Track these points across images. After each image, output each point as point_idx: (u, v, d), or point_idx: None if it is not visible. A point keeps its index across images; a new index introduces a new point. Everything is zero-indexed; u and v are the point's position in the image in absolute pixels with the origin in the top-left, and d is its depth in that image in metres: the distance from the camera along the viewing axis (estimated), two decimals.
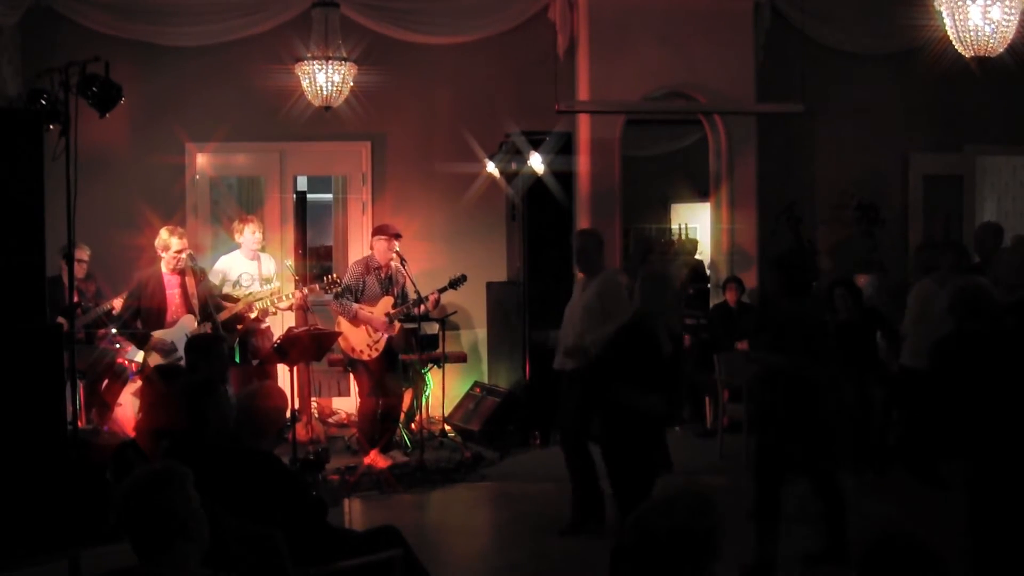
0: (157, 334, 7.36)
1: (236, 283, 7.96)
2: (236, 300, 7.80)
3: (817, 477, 5.54)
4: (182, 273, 7.47)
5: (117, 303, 7.81)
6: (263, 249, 8.37)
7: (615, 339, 5.43)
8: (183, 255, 7.44)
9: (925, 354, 5.86)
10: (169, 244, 7.43)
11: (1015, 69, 8.26)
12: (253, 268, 8.03)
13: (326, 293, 7.94)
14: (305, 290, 7.88)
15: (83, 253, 8.07)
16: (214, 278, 7.90)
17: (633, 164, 10.25)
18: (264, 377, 7.48)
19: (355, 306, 7.77)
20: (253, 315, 7.82)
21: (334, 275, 8.15)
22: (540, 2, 9.55)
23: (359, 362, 7.87)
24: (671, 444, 7.35)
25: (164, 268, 7.48)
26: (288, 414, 5.04)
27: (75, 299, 6.20)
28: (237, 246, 8.14)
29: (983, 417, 4.47)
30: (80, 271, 7.84)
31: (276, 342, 7.29)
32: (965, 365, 4.60)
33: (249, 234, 8.04)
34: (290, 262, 8.96)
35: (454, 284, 8.08)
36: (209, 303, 7.45)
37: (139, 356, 7.57)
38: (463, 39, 9.49)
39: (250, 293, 7.87)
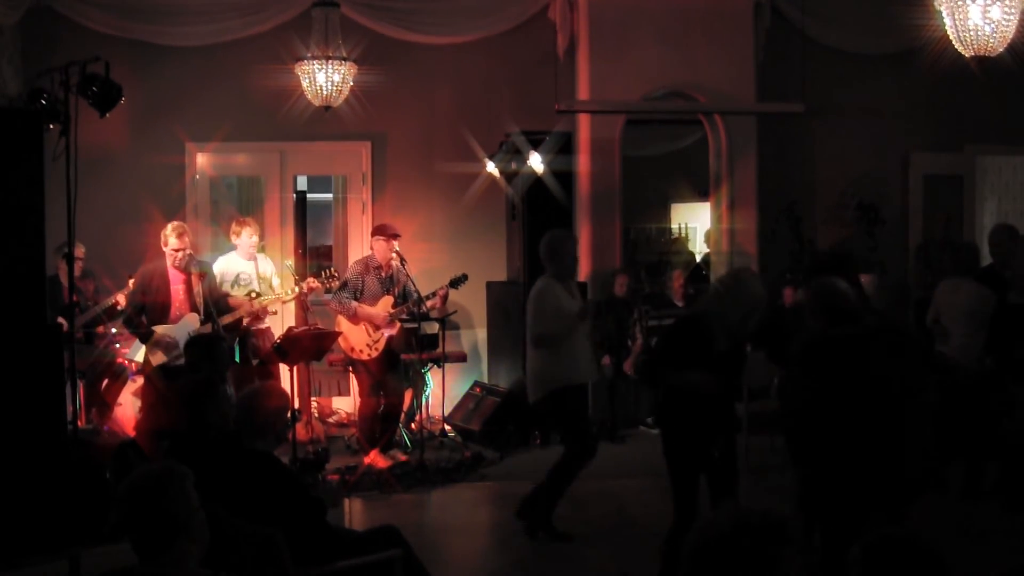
0: (160, 330, 7.34)
1: (235, 282, 7.97)
2: (239, 299, 7.80)
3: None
4: (186, 270, 7.48)
5: (120, 299, 7.81)
6: (261, 250, 8.38)
7: (670, 331, 5.36)
8: (179, 254, 7.43)
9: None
10: (167, 241, 7.46)
11: (1015, 69, 8.26)
12: (250, 268, 8.04)
13: (325, 289, 7.93)
14: (304, 285, 7.88)
15: (78, 251, 8.07)
16: None
17: (633, 164, 10.25)
18: (267, 377, 7.47)
19: (355, 304, 7.78)
20: (254, 310, 7.82)
21: (332, 269, 8.12)
22: (540, 2, 9.55)
23: (359, 362, 7.87)
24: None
25: (168, 263, 7.48)
26: (289, 415, 5.02)
27: (74, 299, 6.20)
28: (234, 247, 8.15)
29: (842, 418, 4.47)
30: (76, 269, 7.84)
31: (276, 342, 7.28)
32: (834, 366, 4.59)
33: (246, 237, 8.05)
34: (290, 262, 8.97)
35: (455, 283, 8.07)
36: (209, 303, 7.44)
37: (139, 355, 7.57)
38: (463, 39, 9.49)
39: (253, 290, 7.87)
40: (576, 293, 6.34)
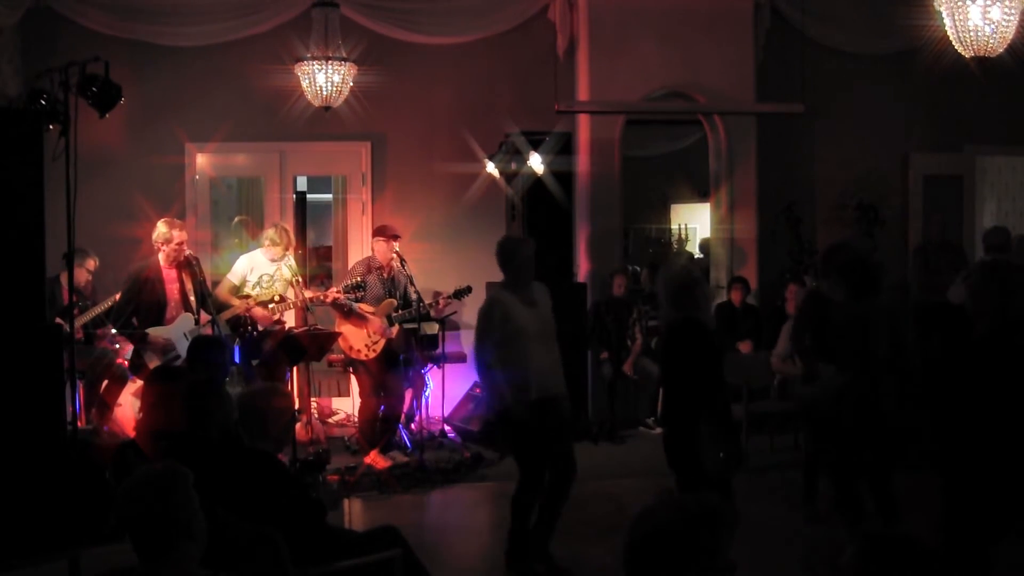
0: (154, 331, 7.27)
1: (257, 283, 7.93)
2: (244, 298, 7.78)
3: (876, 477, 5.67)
4: (179, 268, 7.36)
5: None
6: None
7: (668, 341, 5.20)
8: (183, 247, 7.32)
9: None
10: (171, 236, 7.19)
11: (1015, 69, 8.27)
12: (273, 270, 8.00)
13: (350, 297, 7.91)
14: (333, 290, 7.91)
15: (90, 264, 8.03)
16: (235, 274, 7.89)
17: (633, 164, 10.25)
18: (271, 378, 7.43)
19: (354, 304, 7.79)
20: (275, 316, 7.82)
21: (359, 279, 8.01)
22: (540, 2, 9.55)
23: (359, 362, 7.88)
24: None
25: (162, 261, 7.33)
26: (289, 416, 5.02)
27: (74, 299, 6.19)
28: (260, 246, 8.08)
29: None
30: (82, 279, 7.81)
31: (274, 344, 7.27)
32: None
33: (282, 251, 7.98)
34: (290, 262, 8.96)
35: (458, 295, 8.12)
36: (209, 300, 7.41)
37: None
38: (463, 39, 9.49)
39: (277, 293, 7.84)
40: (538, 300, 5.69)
